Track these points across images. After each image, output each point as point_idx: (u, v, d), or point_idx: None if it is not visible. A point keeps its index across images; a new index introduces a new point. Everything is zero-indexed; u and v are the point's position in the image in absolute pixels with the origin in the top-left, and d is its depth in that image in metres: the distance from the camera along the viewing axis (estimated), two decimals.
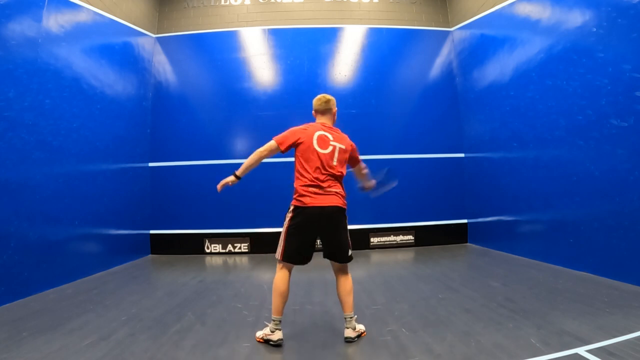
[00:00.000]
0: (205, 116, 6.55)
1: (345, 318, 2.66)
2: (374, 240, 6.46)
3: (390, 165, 6.55)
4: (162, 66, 6.71)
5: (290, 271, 2.67)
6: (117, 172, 5.61)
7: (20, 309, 3.42)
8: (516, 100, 5.37)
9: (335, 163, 2.67)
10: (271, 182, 6.40)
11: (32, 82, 4.07)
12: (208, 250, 6.34)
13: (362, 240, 6.43)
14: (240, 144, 6.56)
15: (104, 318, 3.15)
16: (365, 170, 3.13)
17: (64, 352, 2.46)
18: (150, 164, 6.43)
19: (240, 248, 6.33)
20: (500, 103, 5.72)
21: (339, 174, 2.71)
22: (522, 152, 5.31)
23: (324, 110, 2.81)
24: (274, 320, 2.56)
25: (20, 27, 3.95)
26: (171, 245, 6.35)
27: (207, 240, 6.36)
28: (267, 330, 2.57)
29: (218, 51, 6.68)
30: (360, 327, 2.70)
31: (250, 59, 6.69)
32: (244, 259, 5.94)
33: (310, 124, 2.76)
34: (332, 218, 2.62)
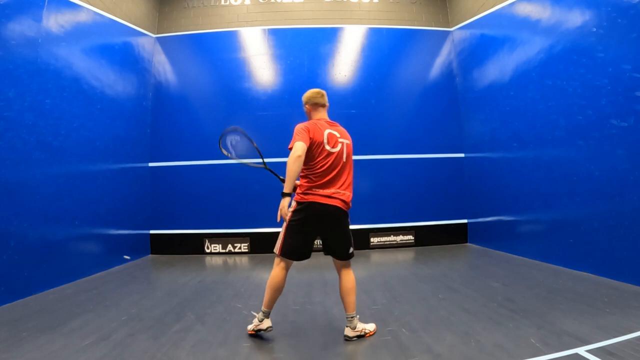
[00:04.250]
0: (205, 116, 6.55)
1: (346, 318, 2.66)
2: (374, 240, 6.46)
3: (390, 165, 6.57)
4: (162, 66, 6.71)
5: (288, 268, 2.67)
6: (117, 172, 5.61)
7: (20, 309, 3.42)
8: (516, 100, 5.37)
9: (345, 159, 2.65)
10: (271, 182, 6.40)
11: (32, 82, 4.07)
12: (208, 250, 6.34)
13: (362, 240, 6.43)
14: (239, 144, 6.54)
15: (104, 318, 3.15)
16: None
17: (64, 352, 2.46)
18: (150, 164, 6.43)
19: (240, 248, 6.33)
20: (500, 103, 5.72)
21: (349, 170, 2.68)
22: (522, 152, 5.31)
23: (324, 104, 2.76)
24: (263, 312, 2.61)
25: (20, 27, 3.95)
26: (171, 245, 6.35)
27: (207, 240, 6.36)
28: (255, 321, 2.63)
29: (218, 51, 6.68)
30: (365, 328, 2.66)
31: (250, 59, 6.70)
32: (244, 259, 5.94)
33: (314, 122, 2.68)
34: (334, 216, 2.60)
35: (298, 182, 2.64)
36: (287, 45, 6.69)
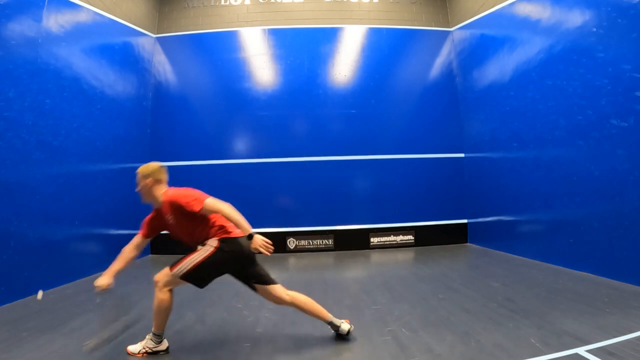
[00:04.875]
0: (205, 116, 6.55)
1: (330, 322, 2.65)
2: (374, 240, 6.46)
3: (390, 165, 6.57)
4: (162, 66, 6.71)
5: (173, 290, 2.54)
6: (117, 172, 5.60)
7: (20, 309, 3.42)
8: (516, 100, 5.37)
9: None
10: (271, 182, 6.41)
11: (32, 82, 4.07)
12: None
13: (362, 240, 6.43)
14: (240, 144, 6.57)
15: (104, 318, 3.15)
16: None
17: (64, 352, 2.46)
18: None
19: None
20: (500, 103, 5.72)
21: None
22: (522, 152, 5.31)
23: (164, 180, 2.94)
24: (159, 335, 2.46)
25: (20, 27, 3.95)
26: (171, 245, 6.32)
27: None
28: (150, 344, 2.43)
29: (218, 51, 6.68)
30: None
31: (250, 59, 6.70)
32: None
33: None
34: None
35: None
36: (287, 45, 6.69)
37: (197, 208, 2.48)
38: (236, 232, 2.58)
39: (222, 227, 2.60)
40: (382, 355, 2.36)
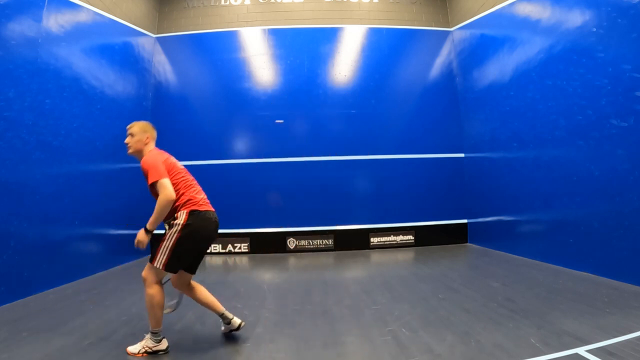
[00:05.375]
0: (205, 116, 6.55)
1: (223, 314, 2.67)
2: (374, 240, 6.46)
3: (390, 165, 6.57)
4: (162, 66, 6.71)
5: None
6: (117, 172, 5.60)
7: (20, 309, 3.42)
8: (516, 100, 5.37)
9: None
10: (271, 182, 6.41)
11: (32, 82, 4.07)
12: (208, 250, 6.33)
13: (362, 240, 6.43)
14: (240, 143, 6.57)
15: (104, 318, 3.15)
16: None
17: (64, 352, 2.46)
18: None
19: (240, 248, 6.33)
20: (500, 103, 5.72)
21: None
22: (522, 152, 5.31)
23: (154, 137, 2.82)
24: (157, 333, 2.45)
25: (20, 27, 3.95)
26: None
27: None
28: (149, 343, 2.42)
29: (218, 51, 6.68)
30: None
31: (250, 59, 6.70)
32: (244, 259, 5.94)
33: (155, 149, 2.71)
34: (218, 226, 2.64)
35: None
36: (287, 45, 6.69)
37: (149, 181, 2.45)
38: (207, 207, 2.57)
39: (190, 200, 2.53)
40: (382, 355, 2.36)
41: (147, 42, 6.51)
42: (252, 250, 6.30)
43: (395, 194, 6.55)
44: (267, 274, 4.95)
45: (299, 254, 6.18)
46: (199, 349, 2.51)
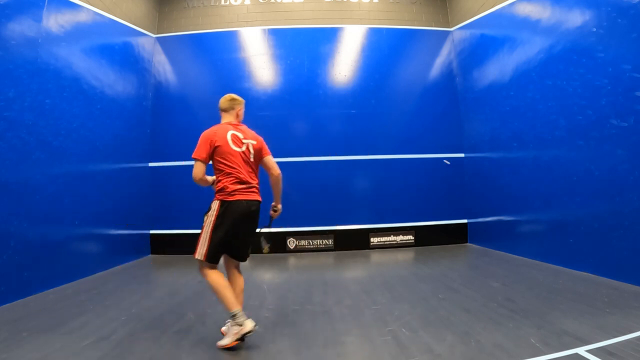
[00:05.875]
0: (205, 116, 6.52)
1: (236, 314, 2.53)
2: (374, 240, 6.46)
3: (390, 165, 6.58)
4: (162, 66, 6.71)
5: (216, 266, 2.60)
6: (117, 172, 5.61)
7: (20, 309, 3.42)
8: (516, 100, 5.38)
9: (252, 159, 2.72)
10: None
11: (32, 82, 4.07)
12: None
13: (362, 240, 6.43)
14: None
15: (104, 318, 3.15)
16: (277, 177, 2.80)
17: (64, 352, 2.46)
18: (150, 164, 6.43)
19: None
20: (500, 103, 5.72)
21: (256, 170, 2.77)
22: (522, 152, 5.31)
23: (227, 109, 2.80)
24: (234, 315, 2.44)
25: (20, 27, 3.95)
26: (171, 245, 6.35)
27: None
28: (234, 329, 2.44)
29: (218, 51, 6.68)
30: (224, 330, 2.62)
31: (250, 59, 6.70)
32: None
33: (218, 125, 2.76)
34: (253, 214, 2.67)
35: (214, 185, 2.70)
36: (287, 45, 6.69)
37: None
38: (238, 196, 2.59)
39: (223, 189, 2.61)
40: (382, 355, 2.36)
41: (147, 42, 6.51)
42: (252, 250, 6.28)
43: (395, 194, 6.55)
44: (267, 274, 4.95)
45: (299, 254, 6.18)
46: (199, 349, 2.51)
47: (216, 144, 2.63)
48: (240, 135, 2.70)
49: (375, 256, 5.96)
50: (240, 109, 2.83)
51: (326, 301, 3.56)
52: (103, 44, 5.39)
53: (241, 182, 2.62)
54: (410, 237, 6.50)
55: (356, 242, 6.42)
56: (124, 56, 5.88)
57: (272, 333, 2.76)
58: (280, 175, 2.77)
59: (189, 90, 6.63)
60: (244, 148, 2.68)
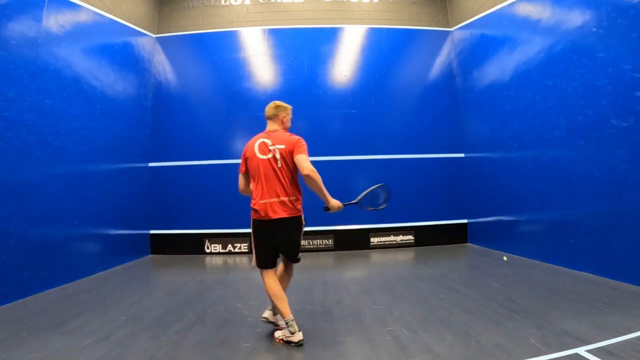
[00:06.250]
0: (205, 116, 6.55)
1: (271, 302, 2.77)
2: (374, 240, 6.46)
3: (390, 165, 6.57)
4: (162, 66, 6.71)
5: (274, 272, 2.74)
6: (117, 172, 5.61)
7: (20, 309, 3.42)
8: (516, 100, 5.37)
9: (280, 165, 2.60)
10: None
11: (32, 82, 4.07)
12: (208, 250, 6.34)
13: (362, 240, 6.43)
14: (240, 144, 6.55)
15: (104, 318, 3.15)
16: (307, 177, 2.55)
17: (64, 352, 2.46)
18: (150, 164, 6.43)
19: (240, 248, 6.33)
20: (500, 103, 5.72)
21: (287, 175, 2.63)
22: (522, 152, 5.31)
23: (271, 116, 2.79)
24: (287, 323, 2.56)
25: (20, 27, 3.95)
26: (171, 245, 6.35)
27: (207, 240, 6.36)
28: (287, 332, 2.57)
29: (218, 51, 6.68)
30: (280, 323, 2.78)
31: (250, 59, 6.70)
32: (244, 259, 5.94)
33: (254, 137, 2.76)
34: (281, 225, 2.62)
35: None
36: (287, 45, 6.69)
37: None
38: (257, 204, 2.62)
39: (252, 199, 2.69)
40: (382, 355, 2.36)
41: (147, 42, 6.51)
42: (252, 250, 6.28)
43: (395, 194, 6.48)
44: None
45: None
46: (198, 349, 2.51)
47: (246, 155, 2.68)
48: (268, 141, 2.64)
49: (375, 256, 5.96)
50: (285, 115, 2.80)
51: (326, 301, 3.56)
52: (103, 44, 5.39)
53: (265, 195, 2.59)
54: (410, 237, 6.50)
55: (356, 242, 6.42)
56: (124, 56, 5.88)
57: (272, 333, 2.75)
58: (313, 173, 2.50)
59: (189, 90, 6.63)
60: (269, 155, 2.61)
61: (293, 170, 2.64)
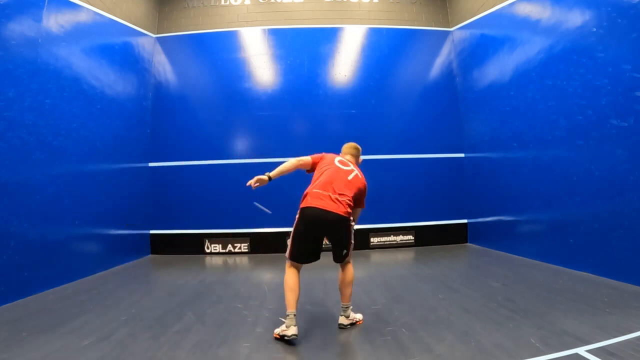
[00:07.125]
0: (205, 116, 6.55)
1: (341, 307, 2.87)
2: (374, 240, 6.46)
3: (390, 165, 6.57)
4: (162, 66, 6.71)
5: (298, 269, 2.80)
6: (117, 172, 5.61)
7: (20, 309, 3.42)
8: (516, 100, 5.37)
9: (350, 178, 2.84)
10: (271, 182, 6.39)
11: (32, 82, 4.07)
12: (208, 250, 6.34)
13: (362, 240, 6.42)
14: (240, 144, 6.57)
15: (104, 318, 3.15)
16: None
17: (64, 352, 2.46)
18: (150, 164, 6.43)
19: (240, 248, 6.33)
20: (500, 103, 5.72)
21: (352, 191, 2.81)
22: (522, 152, 5.31)
23: (354, 154, 3.11)
24: (287, 315, 2.61)
25: (20, 27, 3.95)
26: (171, 245, 6.35)
27: (207, 240, 6.35)
28: (283, 327, 2.61)
29: (218, 51, 6.68)
30: (356, 316, 2.92)
31: (250, 59, 6.70)
32: (244, 259, 5.94)
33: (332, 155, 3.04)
34: (331, 222, 2.71)
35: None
36: (287, 45, 6.69)
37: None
38: (310, 202, 2.72)
39: (303, 197, 2.83)
40: (382, 355, 2.36)
41: (147, 42, 6.51)
42: (252, 250, 6.30)
43: (395, 194, 6.55)
44: (267, 274, 4.95)
45: None
46: (198, 349, 2.51)
47: (324, 157, 2.97)
48: (350, 164, 2.95)
49: (375, 256, 5.96)
50: (360, 158, 3.18)
51: (326, 301, 3.56)
52: (103, 44, 5.39)
53: (317, 189, 2.75)
54: (410, 237, 6.50)
55: (356, 242, 6.39)
56: (124, 56, 5.88)
57: (272, 333, 2.76)
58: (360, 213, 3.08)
59: (189, 90, 6.63)
60: (348, 168, 2.88)
61: (353, 197, 2.82)
